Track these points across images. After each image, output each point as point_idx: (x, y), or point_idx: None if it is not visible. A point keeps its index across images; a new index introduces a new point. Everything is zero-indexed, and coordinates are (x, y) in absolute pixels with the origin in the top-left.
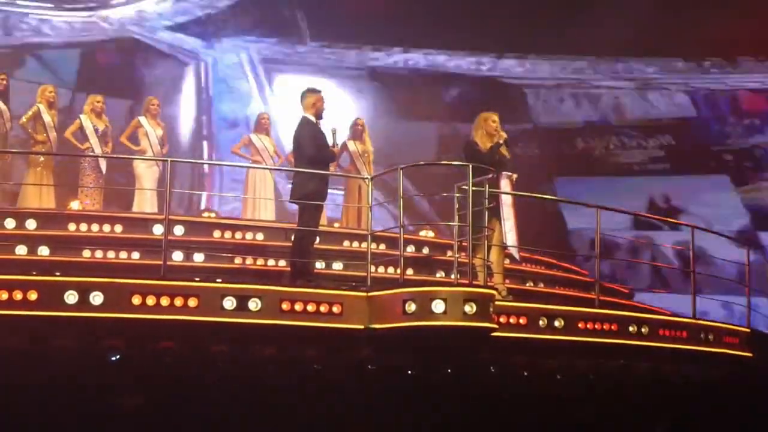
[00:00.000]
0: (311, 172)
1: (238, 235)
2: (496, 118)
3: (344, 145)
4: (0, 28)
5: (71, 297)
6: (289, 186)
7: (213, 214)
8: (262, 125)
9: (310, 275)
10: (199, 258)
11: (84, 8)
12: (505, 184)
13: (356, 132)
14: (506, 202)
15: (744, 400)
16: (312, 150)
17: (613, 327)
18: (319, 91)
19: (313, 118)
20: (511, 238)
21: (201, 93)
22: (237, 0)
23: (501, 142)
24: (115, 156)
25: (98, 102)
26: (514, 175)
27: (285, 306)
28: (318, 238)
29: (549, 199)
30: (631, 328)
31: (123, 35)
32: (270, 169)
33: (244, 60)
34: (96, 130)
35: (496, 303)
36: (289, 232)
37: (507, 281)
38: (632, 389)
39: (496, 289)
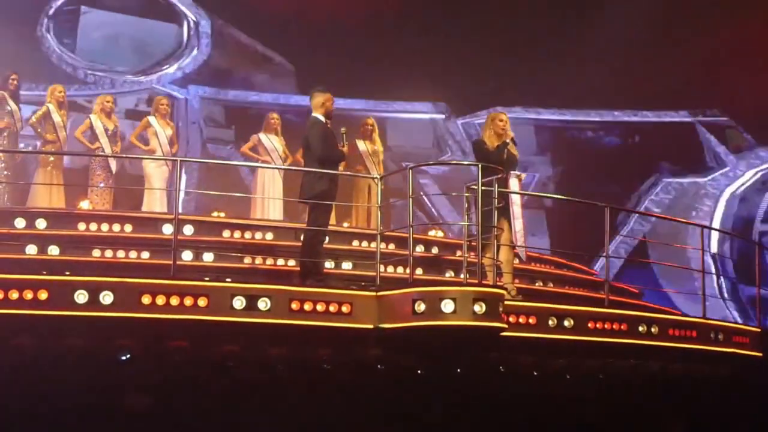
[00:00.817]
0: (321, 172)
1: (248, 234)
2: (504, 117)
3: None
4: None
5: (81, 296)
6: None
7: (222, 214)
8: (272, 125)
9: (320, 275)
10: (208, 258)
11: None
12: (513, 184)
13: (366, 132)
14: (515, 201)
15: (755, 400)
16: (322, 150)
17: (622, 327)
18: (328, 91)
19: (322, 118)
20: (520, 238)
21: None
22: None
23: (508, 141)
24: (124, 156)
25: (108, 102)
26: (523, 175)
27: (294, 306)
28: (327, 238)
29: (558, 199)
30: (640, 328)
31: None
32: (279, 168)
33: None
34: (106, 130)
35: (506, 303)
36: (299, 232)
37: (516, 281)
38: (642, 389)
39: (505, 289)
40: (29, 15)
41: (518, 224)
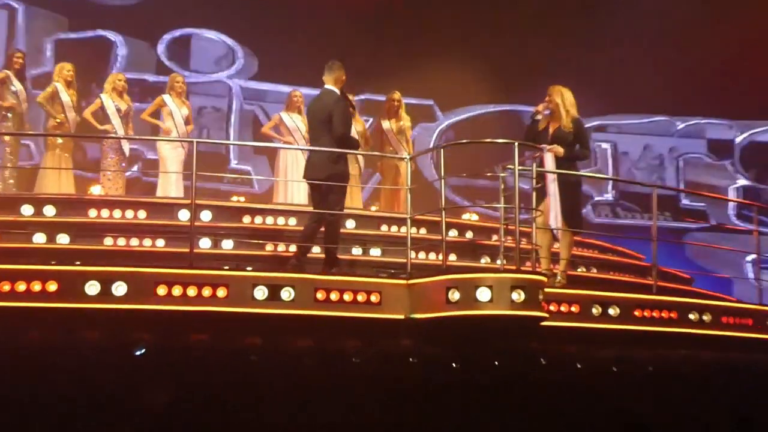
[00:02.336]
0: (338, 152)
1: (269, 220)
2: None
3: (377, 124)
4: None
5: (93, 288)
6: None
7: (242, 198)
8: (294, 103)
9: (337, 261)
10: (227, 245)
11: None
12: (549, 159)
13: (392, 109)
14: (550, 177)
15: None
16: (344, 129)
17: (672, 315)
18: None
19: (339, 93)
20: (555, 217)
21: None
22: None
23: (538, 111)
24: (138, 138)
25: (120, 80)
26: (558, 148)
27: (320, 295)
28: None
29: (602, 179)
30: (692, 316)
31: None
32: (302, 149)
33: None
34: (118, 110)
35: (546, 290)
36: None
37: (556, 267)
38: (694, 381)
39: (545, 275)
40: None
41: (554, 203)
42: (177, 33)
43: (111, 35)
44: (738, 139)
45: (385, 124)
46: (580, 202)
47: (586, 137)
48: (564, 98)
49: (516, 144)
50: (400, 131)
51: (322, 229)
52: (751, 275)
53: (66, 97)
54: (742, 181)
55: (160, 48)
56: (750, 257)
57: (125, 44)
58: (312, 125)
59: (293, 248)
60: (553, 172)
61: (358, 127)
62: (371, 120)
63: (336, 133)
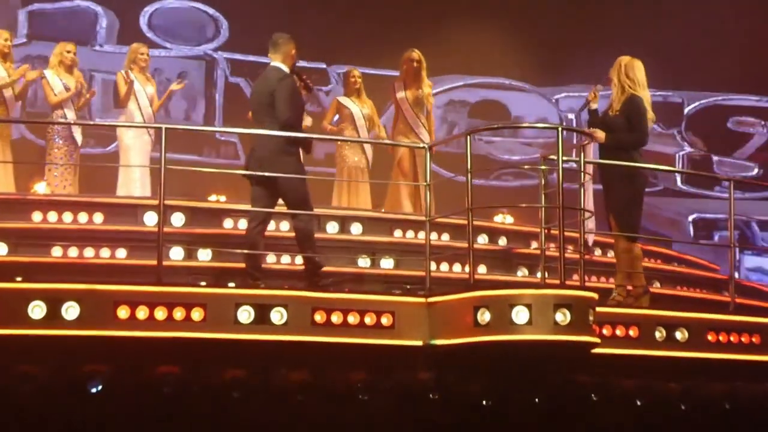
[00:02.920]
0: (289, 141)
1: None
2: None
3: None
4: None
5: (37, 310)
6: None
7: (222, 198)
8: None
9: (259, 271)
10: (204, 256)
11: None
12: (589, 149)
13: (410, 72)
14: (587, 169)
15: None
16: (289, 113)
17: (754, 339)
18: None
19: (287, 70)
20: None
21: None
22: None
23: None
24: (92, 123)
25: (69, 52)
26: (598, 132)
27: (319, 317)
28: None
29: (664, 170)
30: None
31: None
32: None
33: None
34: (66, 88)
35: (598, 309)
36: (323, 221)
37: (603, 279)
38: None
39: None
40: None
41: (588, 203)
42: (157, 5)
43: (92, 5)
44: (686, 109)
45: (400, 94)
46: (633, 198)
47: (639, 118)
48: (620, 72)
49: (559, 129)
50: (417, 102)
51: (293, 235)
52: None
53: (1, 71)
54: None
55: (143, 20)
56: (691, 217)
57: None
58: (254, 109)
59: (286, 259)
60: (617, 164)
61: (364, 109)
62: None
63: (280, 118)
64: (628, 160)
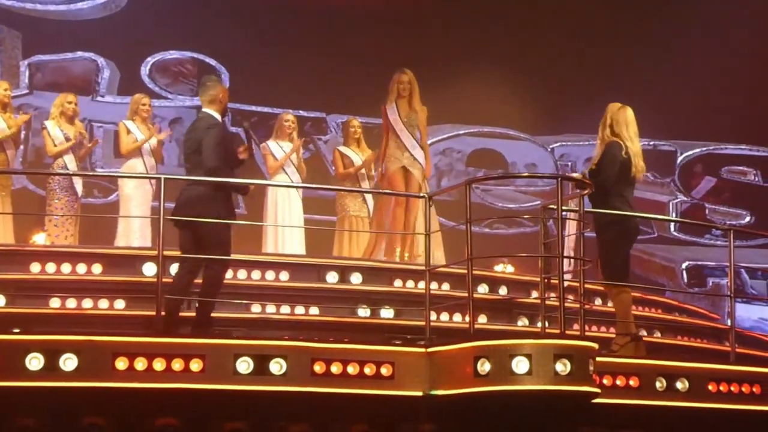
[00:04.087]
0: (214, 186)
1: (256, 274)
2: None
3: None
4: None
5: (35, 361)
6: None
7: None
8: (284, 129)
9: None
10: None
11: None
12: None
13: (401, 93)
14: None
15: None
16: (215, 162)
17: (755, 389)
18: (221, 80)
19: (218, 116)
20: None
21: None
22: None
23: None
24: (92, 173)
25: (70, 102)
26: (575, 176)
27: (318, 368)
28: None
29: (663, 220)
30: None
31: None
32: (296, 187)
33: None
34: (67, 140)
35: (599, 359)
36: (323, 271)
37: (604, 329)
38: None
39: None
40: None
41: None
42: (157, 56)
43: (93, 56)
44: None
45: (393, 115)
46: (613, 245)
47: (608, 162)
48: (605, 124)
49: (559, 179)
50: (410, 123)
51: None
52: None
53: (1, 123)
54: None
55: (144, 71)
56: (684, 264)
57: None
58: (185, 155)
59: (286, 309)
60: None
61: (364, 155)
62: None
63: (205, 166)
64: (610, 209)
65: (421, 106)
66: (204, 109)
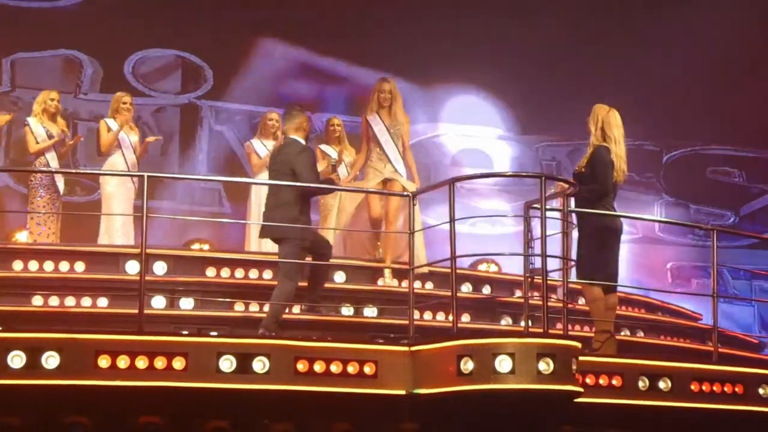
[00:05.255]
0: (299, 209)
1: (239, 273)
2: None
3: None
4: None
5: (17, 359)
6: None
7: (206, 246)
8: (268, 128)
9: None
10: (186, 304)
11: None
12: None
13: (383, 102)
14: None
15: None
16: (312, 179)
17: (737, 389)
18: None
19: (303, 142)
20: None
21: None
22: None
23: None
24: (74, 171)
25: (52, 100)
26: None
27: (301, 366)
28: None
29: (649, 220)
30: (761, 390)
31: None
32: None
33: None
34: (50, 137)
35: (582, 358)
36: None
37: (587, 328)
38: None
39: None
40: None
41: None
42: (141, 54)
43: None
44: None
45: (378, 126)
46: (596, 250)
47: (601, 168)
48: (596, 126)
49: (542, 178)
50: (395, 134)
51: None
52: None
53: None
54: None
55: (127, 68)
56: (669, 264)
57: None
58: (272, 178)
59: (268, 308)
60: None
61: (347, 158)
62: None
63: (306, 188)
64: (593, 214)
65: (405, 116)
66: (291, 136)
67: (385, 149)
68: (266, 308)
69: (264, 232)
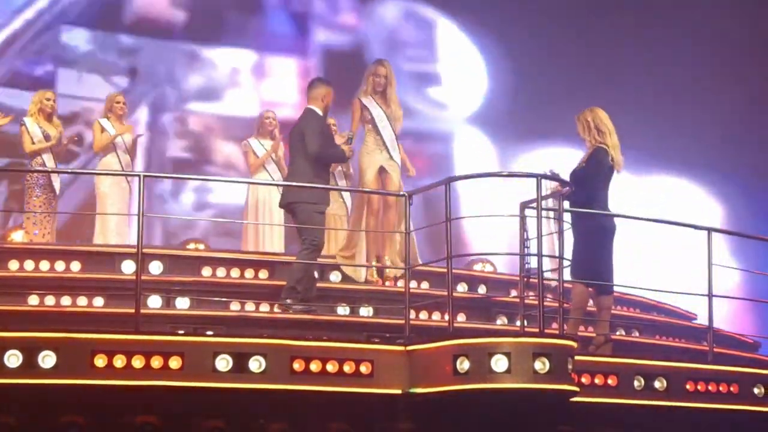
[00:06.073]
0: (313, 173)
1: (235, 272)
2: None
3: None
4: None
5: (13, 359)
6: None
7: (201, 246)
8: (266, 126)
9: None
10: (182, 304)
11: None
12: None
13: (378, 86)
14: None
15: None
16: (317, 146)
17: (732, 388)
18: (330, 85)
19: (320, 112)
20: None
21: None
22: None
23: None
24: (70, 171)
25: (48, 100)
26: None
27: (297, 366)
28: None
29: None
30: (756, 390)
31: None
32: (277, 185)
33: None
34: (46, 137)
35: (577, 358)
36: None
37: (582, 328)
38: None
39: (576, 339)
40: None
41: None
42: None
43: None
44: None
45: (376, 110)
46: (595, 251)
47: (592, 168)
48: (591, 129)
49: (538, 178)
50: (393, 118)
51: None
52: None
53: None
54: None
55: None
56: None
57: None
58: (290, 146)
59: (265, 307)
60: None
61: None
62: None
63: (309, 150)
64: (588, 215)
65: (397, 102)
66: (308, 105)
67: (383, 135)
68: (264, 308)
69: (281, 201)
